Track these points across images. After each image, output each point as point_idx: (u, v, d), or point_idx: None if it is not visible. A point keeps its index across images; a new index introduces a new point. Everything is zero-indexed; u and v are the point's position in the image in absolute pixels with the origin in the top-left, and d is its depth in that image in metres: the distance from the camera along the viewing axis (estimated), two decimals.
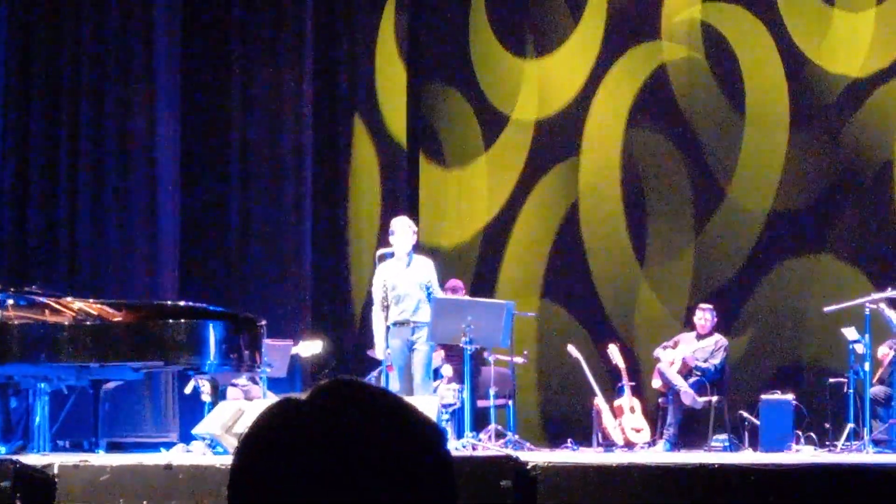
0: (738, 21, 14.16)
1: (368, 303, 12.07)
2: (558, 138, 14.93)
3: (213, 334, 10.77)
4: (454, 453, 9.92)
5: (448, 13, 15.60)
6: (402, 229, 11.55)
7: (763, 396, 12.36)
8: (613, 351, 13.23)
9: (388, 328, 11.41)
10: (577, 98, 14.82)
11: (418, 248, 11.84)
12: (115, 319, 11.08)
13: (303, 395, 1.64)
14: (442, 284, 12.19)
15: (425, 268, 11.59)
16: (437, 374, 12.00)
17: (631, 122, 14.59)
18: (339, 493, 1.56)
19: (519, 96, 15.15)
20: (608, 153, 14.69)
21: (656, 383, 12.87)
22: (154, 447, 12.18)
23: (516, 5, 15.31)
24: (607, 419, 12.94)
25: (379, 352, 11.63)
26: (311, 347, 13.07)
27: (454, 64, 15.56)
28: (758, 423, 12.30)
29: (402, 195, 15.32)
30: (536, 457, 9.15)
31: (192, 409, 12.54)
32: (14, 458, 9.11)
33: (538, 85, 15.09)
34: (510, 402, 12.58)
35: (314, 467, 1.57)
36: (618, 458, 11.01)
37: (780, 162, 13.97)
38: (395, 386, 11.67)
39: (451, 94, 15.49)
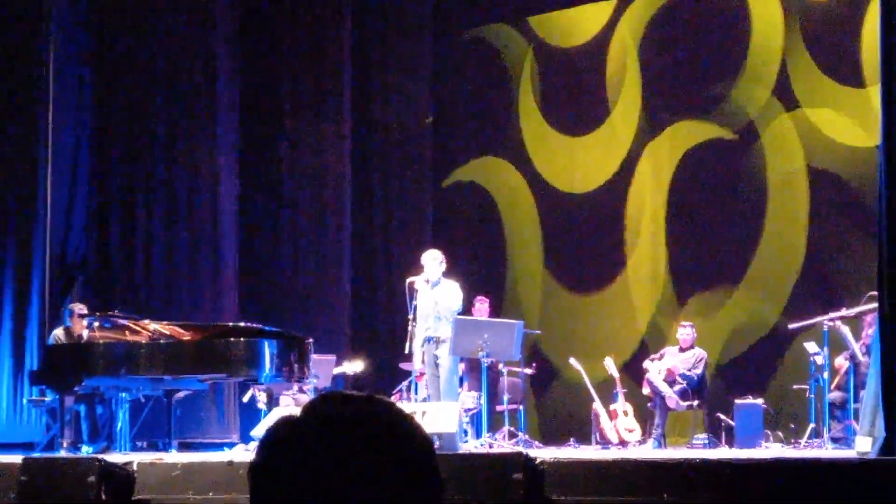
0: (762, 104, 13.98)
1: (402, 323, 12.01)
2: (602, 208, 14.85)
3: (267, 351, 10.76)
4: (473, 451, 9.91)
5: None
6: (429, 261, 11.54)
7: (737, 401, 12.31)
8: (609, 363, 13.20)
9: (422, 343, 11.44)
10: (618, 172, 14.71)
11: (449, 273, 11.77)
12: (185, 338, 11.07)
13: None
14: (473, 299, 12.18)
15: (448, 293, 11.51)
16: (461, 382, 11.97)
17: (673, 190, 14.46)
18: (331, 483, 1.62)
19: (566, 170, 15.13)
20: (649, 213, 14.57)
21: (645, 390, 12.83)
22: (218, 447, 12.19)
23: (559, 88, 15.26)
24: (604, 421, 12.90)
25: (416, 363, 11.61)
26: (353, 367, 13.09)
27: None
28: (733, 424, 12.24)
29: (425, 233, 15.39)
30: (543, 453, 9.11)
31: (251, 415, 12.55)
32: (99, 456, 9.10)
33: (582, 160, 15.02)
34: (521, 407, 12.56)
35: (309, 464, 1.63)
36: (613, 454, 10.97)
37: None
38: (422, 393, 11.66)
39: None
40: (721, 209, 14.21)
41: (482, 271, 15.25)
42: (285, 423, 1.71)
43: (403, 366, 12.47)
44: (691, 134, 14.33)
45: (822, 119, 13.57)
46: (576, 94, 15.14)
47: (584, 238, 14.97)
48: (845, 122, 13.46)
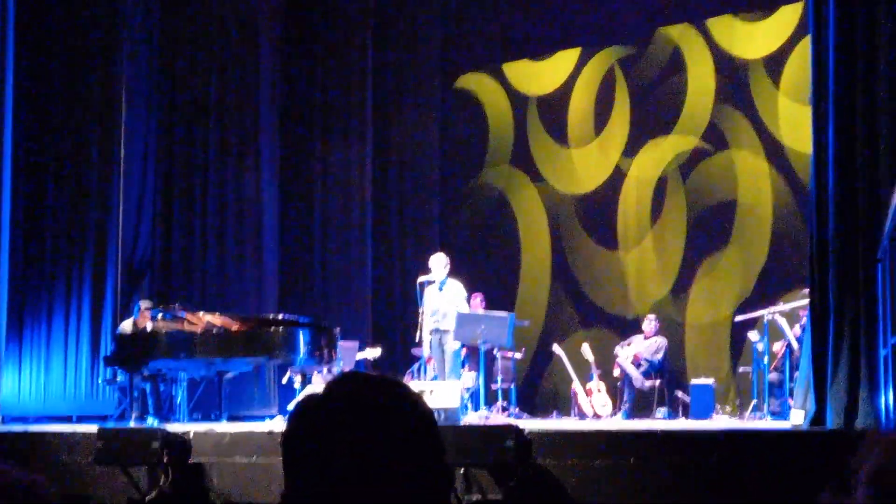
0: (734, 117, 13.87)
1: (413, 316, 12.03)
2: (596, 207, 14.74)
3: (302, 338, 10.78)
4: (474, 423, 9.92)
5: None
6: (435, 264, 11.56)
7: (692, 381, 12.32)
8: (585, 349, 13.21)
9: (430, 333, 11.45)
10: (611, 177, 14.59)
11: (452, 272, 11.77)
12: (233, 328, 11.10)
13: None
14: (469, 295, 12.22)
15: (454, 291, 11.51)
16: (462, 365, 11.97)
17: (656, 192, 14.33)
18: (349, 448, 1.61)
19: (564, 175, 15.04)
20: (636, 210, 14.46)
21: (616, 372, 12.84)
22: (261, 418, 12.21)
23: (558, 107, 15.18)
24: (581, 397, 12.89)
25: (425, 349, 11.63)
26: (373, 352, 13.11)
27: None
28: (688, 399, 12.25)
29: (433, 239, 15.40)
30: (531, 424, 9.12)
31: (288, 392, 12.56)
32: (162, 426, 9.15)
33: (578, 168, 14.94)
34: (512, 386, 12.56)
35: (330, 433, 1.62)
36: (589, 425, 10.96)
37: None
38: (430, 374, 11.67)
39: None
40: (699, 204, 14.14)
41: (496, 264, 15.12)
42: (311, 399, 1.69)
43: (415, 351, 12.47)
44: (667, 146, 14.26)
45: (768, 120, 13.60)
46: (566, 117, 15.10)
47: (584, 231, 14.90)
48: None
